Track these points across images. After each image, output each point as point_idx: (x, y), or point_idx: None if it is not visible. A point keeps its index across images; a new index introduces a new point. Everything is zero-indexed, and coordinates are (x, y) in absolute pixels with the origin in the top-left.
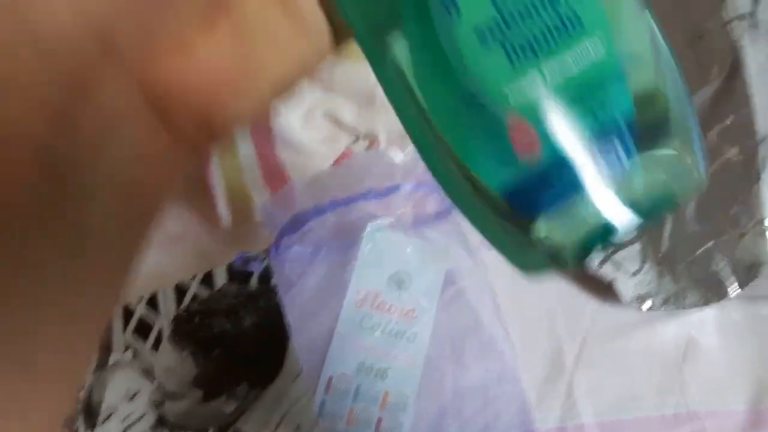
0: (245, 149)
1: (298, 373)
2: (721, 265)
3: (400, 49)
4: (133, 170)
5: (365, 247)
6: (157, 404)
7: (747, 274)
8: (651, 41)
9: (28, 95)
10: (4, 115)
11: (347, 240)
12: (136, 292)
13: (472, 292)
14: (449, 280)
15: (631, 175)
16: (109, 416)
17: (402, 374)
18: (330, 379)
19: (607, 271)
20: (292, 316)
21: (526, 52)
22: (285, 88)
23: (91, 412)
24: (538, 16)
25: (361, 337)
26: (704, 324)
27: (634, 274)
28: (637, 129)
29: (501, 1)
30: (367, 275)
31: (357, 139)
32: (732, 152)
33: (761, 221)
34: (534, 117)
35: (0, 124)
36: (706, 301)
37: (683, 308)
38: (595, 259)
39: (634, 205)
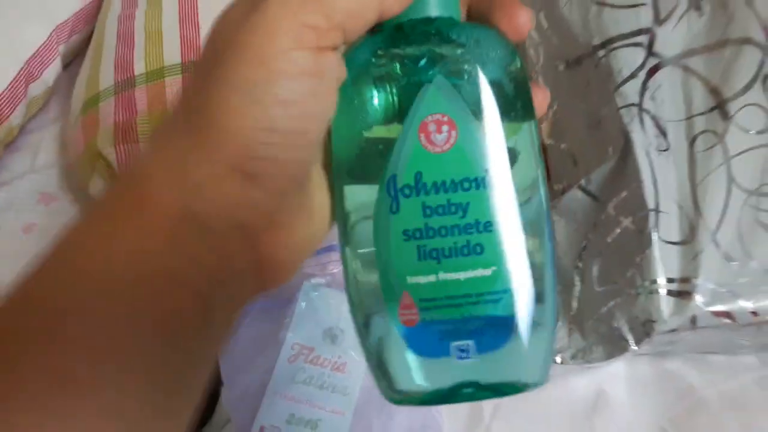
0: None
1: (226, 421)
2: (621, 323)
3: (352, 201)
4: (240, 305)
5: (300, 304)
6: None
7: (642, 331)
8: (544, 286)
9: (199, 262)
10: (185, 278)
11: (283, 297)
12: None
13: None
14: None
15: (473, 363)
16: None
17: (332, 424)
18: (261, 429)
19: None
20: (226, 367)
21: (432, 258)
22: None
23: None
24: (452, 237)
25: (293, 389)
26: (615, 377)
27: None
28: (489, 340)
29: (429, 217)
30: (302, 330)
31: None
32: (627, 222)
33: (654, 281)
34: (419, 303)
35: (181, 283)
36: (609, 356)
37: (589, 362)
38: None
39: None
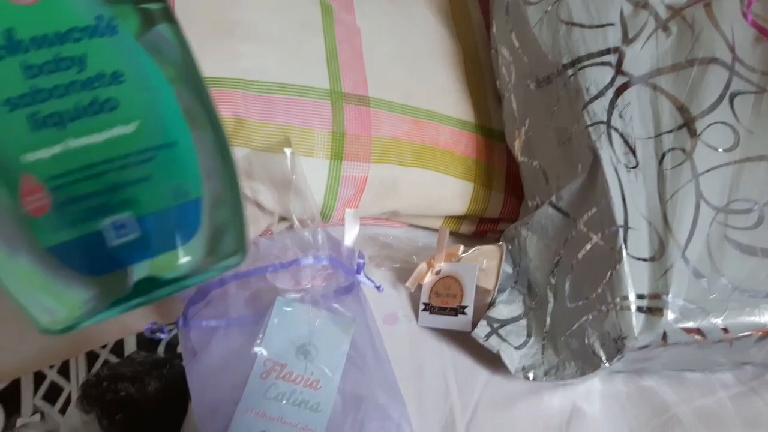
0: None
1: None
2: (593, 339)
3: None
4: None
5: (273, 320)
6: None
7: (613, 347)
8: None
9: None
10: None
11: (257, 313)
12: (50, 359)
13: (369, 364)
14: (352, 350)
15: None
16: None
17: None
18: None
19: (492, 344)
20: (196, 382)
21: (53, 125)
22: None
23: None
24: (75, 95)
25: (265, 406)
26: (590, 393)
27: (519, 347)
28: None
29: (35, 77)
30: (274, 347)
31: (277, 220)
32: (597, 238)
33: (625, 297)
34: (47, 183)
35: None
36: (582, 373)
37: (562, 379)
38: (481, 333)
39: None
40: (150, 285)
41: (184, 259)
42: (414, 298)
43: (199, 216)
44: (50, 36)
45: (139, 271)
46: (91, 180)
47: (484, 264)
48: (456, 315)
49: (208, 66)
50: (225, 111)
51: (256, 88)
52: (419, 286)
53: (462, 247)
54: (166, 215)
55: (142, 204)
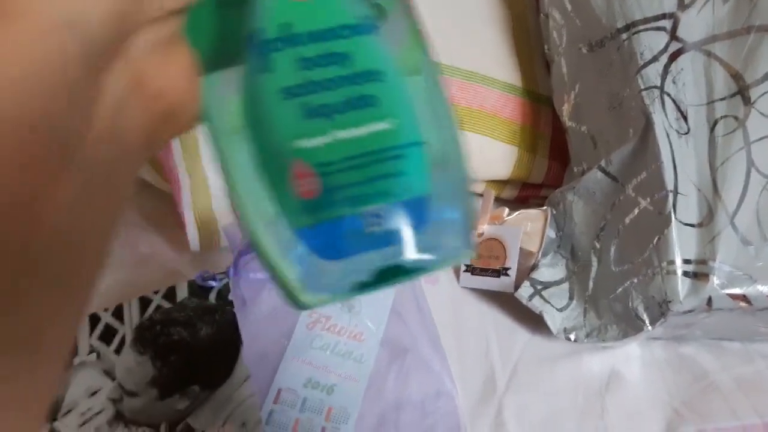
0: (216, 180)
1: (245, 378)
2: (637, 303)
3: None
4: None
5: None
6: (115, 401)
7: (658, 311)
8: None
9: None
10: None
11: None
12: (103, 303)
13: (412, 319)
14: (396, 306)
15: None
16: (69, 411)
17: (347, 390)
18: (279, 391)
19: (536, 305)
20: (246, 330)
21: (321, 115)
22: None
23: (52, 407)
24: (343, 89)
25: (311, 355)
26: (629, 358)
27: (561, 309)
28: (403, 210)
29: (308, 69)
30: None
31: None
32: (645, 203)
33: (672, 262)
34: (317, 168)
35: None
36: (624, 335)
37: (604, 341)
38: (524, 294)
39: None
40: (392, 273)
41: (421, 251)
42: None
43: (445, 211)
44: (323, 31)
45: (386, 257)
46: (353, 171)
47: (528, 227)
48: (498, 276)
49: None
50: None
51: None
52: None
53: (506, 210)
54: (412, 207)
55: (394, 196)
